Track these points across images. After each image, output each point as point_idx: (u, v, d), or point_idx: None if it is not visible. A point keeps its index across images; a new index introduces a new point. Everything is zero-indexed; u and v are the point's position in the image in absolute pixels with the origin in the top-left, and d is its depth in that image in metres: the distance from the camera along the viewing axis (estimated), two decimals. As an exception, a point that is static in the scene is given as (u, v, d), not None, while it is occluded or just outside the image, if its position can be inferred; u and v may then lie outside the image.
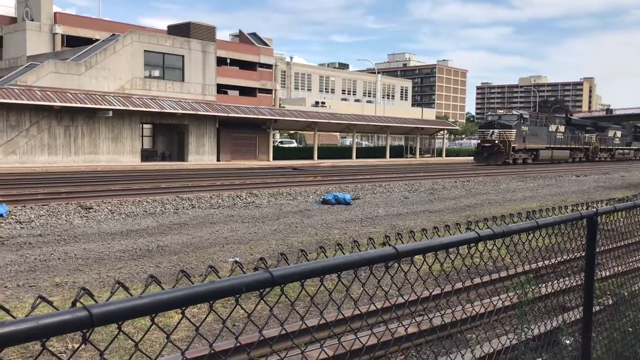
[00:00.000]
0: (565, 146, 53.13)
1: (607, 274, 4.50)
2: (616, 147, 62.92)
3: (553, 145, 50.80)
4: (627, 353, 4.31)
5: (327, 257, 1.80)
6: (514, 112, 48.52)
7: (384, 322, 3.13)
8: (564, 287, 3.96)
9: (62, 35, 47.60)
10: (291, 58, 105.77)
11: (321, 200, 17.07)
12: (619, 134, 63.98)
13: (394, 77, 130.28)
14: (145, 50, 40.59)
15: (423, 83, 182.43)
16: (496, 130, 45.26)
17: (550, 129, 50.31)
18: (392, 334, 2.95)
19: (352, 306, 5.87)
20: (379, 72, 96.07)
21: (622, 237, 4.34)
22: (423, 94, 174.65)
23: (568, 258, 3.75)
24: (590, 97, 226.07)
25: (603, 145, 59.70)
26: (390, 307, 5.22)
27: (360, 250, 1.86)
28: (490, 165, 42.63)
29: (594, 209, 3.28)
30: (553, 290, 4.37)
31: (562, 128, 52.70)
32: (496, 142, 44.84)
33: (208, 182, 21.77)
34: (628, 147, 66.26)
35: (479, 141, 47.98)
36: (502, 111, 49.36)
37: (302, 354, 2.02)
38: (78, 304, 1.16)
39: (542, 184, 26.46)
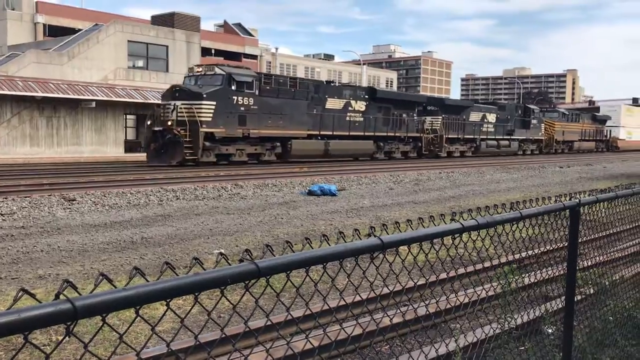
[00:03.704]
0: (363, 134, 32.26)
1: (589, 263, 4.56)
2: (483, 137, 42.15)
3: (331, 132, 30.16)
4: (608, 341, 4.38)
5: (312, 248, 1.80)
6: (218, 69, 26.09)
7: (369, 313, 3.14)
8: (547, 277, 4.00)
9: (44, 25, 46.91)
10: (276, 49, 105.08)
11: (307, 191, 17.07)
12: (491, 117, 43.14)
13: (379, 69, 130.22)
14: (128, 41, 40.16)
15: (408, 74, 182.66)
16: (179, 103, 24.48)
17: (326, 106, 30.10)
18: (377, 324, 2.98)
19: (338, 297, 5.88)
20: (364, 64, 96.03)
21: (604, 228, 4.39)
22: (408, 85, 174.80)
23: (551, 248, 3.79)
24: (573, 88, 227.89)
25: (456, 134, 39.52)
26: (375, 297, 5.24)
27: (345, 241, 1.86)
28: (164, 168, 23.62)
29: (577, 200, 3.31)
30: (536, 280, 4.42)
31: (359, 105, 32.11)
32: (169, 124, 24.40)
33: (192, 173, 21.66)
34: (508, 137, 44.91)
35: (148, 123, 25.91)
36: (199, 69, 27.00)
37: (287, 345, 2.02)
38: (61, 297, 1.15)
39: (526, 174, 26.71)
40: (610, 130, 62.81)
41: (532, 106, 50.84)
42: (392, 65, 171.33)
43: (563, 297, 3.49)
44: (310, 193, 16.74)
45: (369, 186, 19.70)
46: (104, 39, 38.87)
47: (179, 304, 5.81)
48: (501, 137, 44.23)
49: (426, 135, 37.43)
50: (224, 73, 25.72)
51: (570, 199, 3.40)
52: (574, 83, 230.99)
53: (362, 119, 32.36)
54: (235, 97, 25.67)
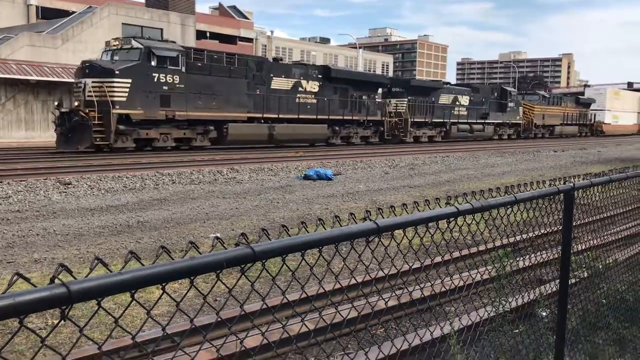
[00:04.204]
0: (315, 117, 29.43)
1: (583, 247, 4.59)
2: (454, 121, 39.47)
3: (277, 115, 27.34)
4: (601, 324, 4.42)
5: (308, 232, 1.80)
6: (136, 42, 23.02)
7: (365, 296, 3.17)
8: (541, 260, 4.03)
9: (37, 7, 46.40)
10: (272, 32, 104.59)
11: (303, 176, 17.07)
12: (463, 100, 40.55)
13: (375, 52, 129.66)
14: (123, 23, 39.82)
15: (404, 58, 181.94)
16: (88, 81, 21.78)
17: (272, 86, 27.31)
18: (373, 308, 2.99)
19: (333, 280, 5.92)
20: (360, 47, 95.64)
21: (598, 212, 4.41)
22: (404, 69, 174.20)
23: (545, 232, 3.81)
24: (568, 73, 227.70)
25: (424, 117, 36.99)
26: (370, 281, 5.28)
27: (341, 225, 1.87)
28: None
29: (571, 184, 3.32)
30: (530, 264, 4.45)
31: (311, 85, 29.37)
32: (76, 105, 22.23)
33: (188, 157, 21.61)
34: (482, 121, 42.29)
35: (56, 104, 23.85)
36: (116, 42, 23.60)
37: (283, 328, 2.03)
38: (56, 281, 1.15)
39: (521, 158, 26.76)
40: (595, 114, 60.56)
41: (509, 88, 48.14)
42: (388, 48, 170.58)
43: (557, 281, 3.51)
44: (306, 177, 16.74)
45: (364, 170, 19.71)
46: (97, 22, 38.53)
47: (174, 287, 5.82)
48: (474, 121, 41.45)
49: (389, 119, 34.70)
50: (142, 47, 22.72)
51: (564, 183, 3.41)
52: (569, 67, 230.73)
53: (314, 100, 29.59)
54: (156, 75, 22.84)
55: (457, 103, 40.06)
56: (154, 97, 22.79)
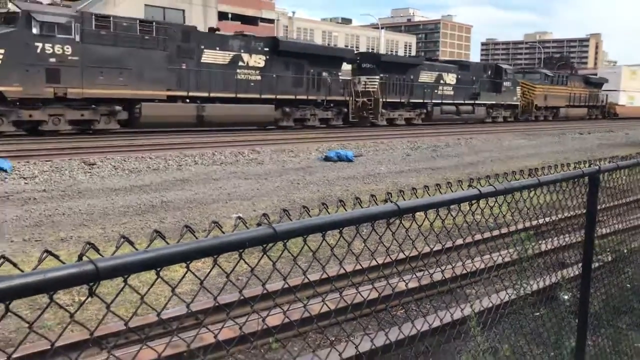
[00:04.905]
0: (259, 96, 25.53)
1: (607, 231, 4.54)
2: (438, 102, 35.03)
3: (207, 94, 23.56)
4: (624, 308, 4.38)
5: (329, 213, 1.81)
6: (12, 5, 19.90)
7: (385, 277, 3.18)
8: (564, 244, 3.99)
9: (61, -12, 46.73)
10: (293, 13, 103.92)
11: (323, 157, 17.07)
12: (449, 78, 36.09)
13: (398, 33, 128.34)
14: (145, 5, 39.94)
15: (427, 39, 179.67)
16: None
17: (202, 59, 23.58)
18: (393, 289, 3.00)
19: (354, 261, 5.94)
20: (382, 28, 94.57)
21: (624, 195, 4.35)
22: (427, 50, 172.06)
23: (569, 215, 3.77)
24: (596, 53, 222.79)
25: (399, 97, 32.55)
26: (391, 262, 5.28)
27: (362, 207, 1.87)
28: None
29: (597, 167, 3.28)
30: (553, 247, 4.42)
31: (255, 60, 25.50)
32: None
33: (210, 138, 21.73)
34: (471, 102, 37.58)
35: None
36: None
37: (304, 307, 2.06)
38: (84, 258, 1.18)
39: (545, 141, 26.40)
40: (607, 95, 54.74)
41: (504, 66, 43.31)
42: (411, 29, 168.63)
43: (580, 264, 3.48)
44: (327, 159, 16.74)
45: (385, 152, 19.63)
46: (120, 3, 38.67)
47: (197, 266, 5.90)
48: (462, 101, 36.72)
49: (355, 99, 30.28)
50: (19, 10, 18.91)
51: (589, 166, 3.36)
52: (597, 47, 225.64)
53: (259, 77, 25.62)
54: (39, 44, 19.02)
55: (442, 82, 35.67)
56: (37, 71, 19.07)
